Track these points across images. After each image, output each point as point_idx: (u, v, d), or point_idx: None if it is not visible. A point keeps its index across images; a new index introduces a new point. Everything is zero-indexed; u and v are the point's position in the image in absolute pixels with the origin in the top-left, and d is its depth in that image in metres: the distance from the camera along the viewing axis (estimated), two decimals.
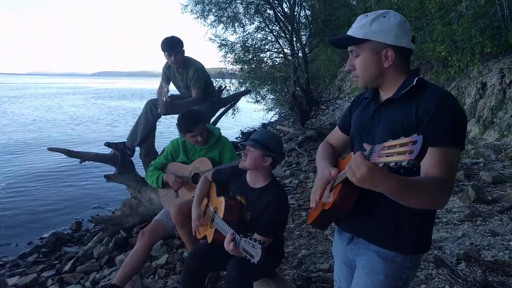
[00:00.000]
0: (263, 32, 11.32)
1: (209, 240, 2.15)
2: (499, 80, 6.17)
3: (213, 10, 10.45)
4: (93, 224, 4.84)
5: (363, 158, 0.90)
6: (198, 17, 10.48)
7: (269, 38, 11.54)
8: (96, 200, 6.17)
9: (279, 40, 11.34)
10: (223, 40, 10.90)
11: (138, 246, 2.72)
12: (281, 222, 2.10)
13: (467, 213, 3.50)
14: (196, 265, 2.15)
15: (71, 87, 58.83)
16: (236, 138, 11.98)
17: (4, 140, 11.11)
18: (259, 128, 14.03)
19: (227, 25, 10.65)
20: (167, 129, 10.83)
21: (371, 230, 1.28)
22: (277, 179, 2.20)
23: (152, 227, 2.81)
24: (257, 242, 1.64)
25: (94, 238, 3.99)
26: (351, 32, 1.20)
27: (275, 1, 10.47)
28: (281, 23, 10.74)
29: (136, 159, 4.00)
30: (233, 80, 11.94)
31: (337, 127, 1.54)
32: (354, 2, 12.69)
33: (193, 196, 2.39)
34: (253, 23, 11.06)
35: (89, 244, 3.94)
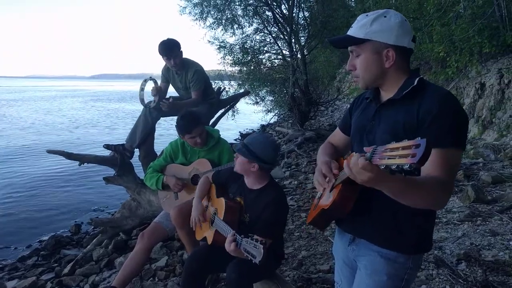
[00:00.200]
0: (261, 33, 11.36)
1: (209, 241, 2.14)
2: (498, 80, 6.18)
3: (212, 12, 10.48)
4: (93, 227, 4.81)
5: (368, 162, 0.89)
6: (196, 19, 10.51)
7: (268, 39, 11.58)
8: (95, 203, 6.15)
9: (278, 42, 11.37)
10: (222, 42, 10.93)
11: (137, 248, 2.71)
12: (280, 223, 2.09)
13: (467, 213, 3.50)
14: (196, 267, 2.15)
15: (70, 90, 58.83)
16: (235, 139, 11.97)
17: (3, 143, 11.09)
18: (258, 129, 14.04)
19: (226, 27, 10.68)
20: (167, 131, 10.82)
21: (371, 230, 1.28)
22: (276, 180, 2.19)
23: (152, 229, 2.80)
24: (258, 242, 1.63)
25: (94, 240, 3.98)
26: (351, 32, 1.20)
27: (274, 3, 10.50)
28: (279, 24, 10.76)
29: (136, 161, 3.99)
30: (232, 82, 11.96)
31: (337, 128, 1.54)
32: (352, 4, 12.74)
33: (193, 198, 2.38)
34: (251, 25, 11.10)
35: (88, 246, 3.92)
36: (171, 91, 4.00)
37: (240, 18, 10.83)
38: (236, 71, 11.91)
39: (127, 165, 3.92)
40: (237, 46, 11.07)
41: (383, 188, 0.96)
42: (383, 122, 1.23)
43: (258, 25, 11.12)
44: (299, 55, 10.94)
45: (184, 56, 3.68)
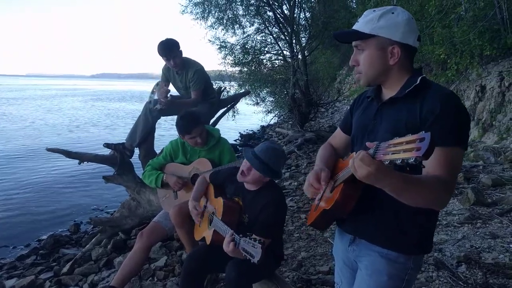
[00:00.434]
0: (262, 34, 11.36)
1: (208, 241, 2.13)
2: (498, 83, 6.18)
3: (213, 12, 10.47)
4: (92, 226, 4.80)
5: (368, 156, 0.89)
6: (197, 18, 10.50)
7: (269, 40, 11.58)
8: (94, 202, 6.14)
9: (279, 42, 11.37)
10: (222, 42, 10.92)
11: (136, 248, 2.70)
12: (279, 223, 2.09)
13: (467, 215, 3.49)
14: (195, 267, 2.14)
15: (70, 89, 58.78)
16: (235, 140, 11.98)
17: (2, 142, 11.07)
18: (258, 131, 14.02)
19: (227, 27, 10.67)
20: (167, 131, 10.81)
21: (372, 230, 1.27)
22: (276, 181, 2.19)
23: (151, 229, 2.79)
24: (257, 241, 1.63)
25: (93, 240, 3.97)
26: (357, 26, 1.19)
27: (275, 3, 10.50)
28: (280, 25, 10.76)
29: (135, 160, 3.99)
30: (233, 82, 11.95)
31: (338, 128, 1.53)
32: (353, 5, 12.75)
33: None
34: (253, 25, 11.10)
35: (87, 246, 3.92)
36: (171, 91, 4.00)
37: (241, 18, 10.83)
38: (237, 72, 11.92)
39: (127, 164, 3.91)
40: (238, 46, 11.07)
41: (383, 186, 0.95)
42: (385, 121, 1.22)
43: (259, 25, 11.13)
44: (300, 56, 10.94)
45: (184, 55, 3.68)
